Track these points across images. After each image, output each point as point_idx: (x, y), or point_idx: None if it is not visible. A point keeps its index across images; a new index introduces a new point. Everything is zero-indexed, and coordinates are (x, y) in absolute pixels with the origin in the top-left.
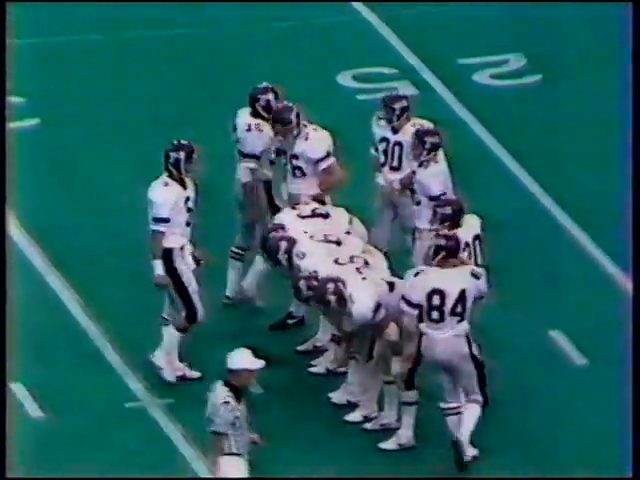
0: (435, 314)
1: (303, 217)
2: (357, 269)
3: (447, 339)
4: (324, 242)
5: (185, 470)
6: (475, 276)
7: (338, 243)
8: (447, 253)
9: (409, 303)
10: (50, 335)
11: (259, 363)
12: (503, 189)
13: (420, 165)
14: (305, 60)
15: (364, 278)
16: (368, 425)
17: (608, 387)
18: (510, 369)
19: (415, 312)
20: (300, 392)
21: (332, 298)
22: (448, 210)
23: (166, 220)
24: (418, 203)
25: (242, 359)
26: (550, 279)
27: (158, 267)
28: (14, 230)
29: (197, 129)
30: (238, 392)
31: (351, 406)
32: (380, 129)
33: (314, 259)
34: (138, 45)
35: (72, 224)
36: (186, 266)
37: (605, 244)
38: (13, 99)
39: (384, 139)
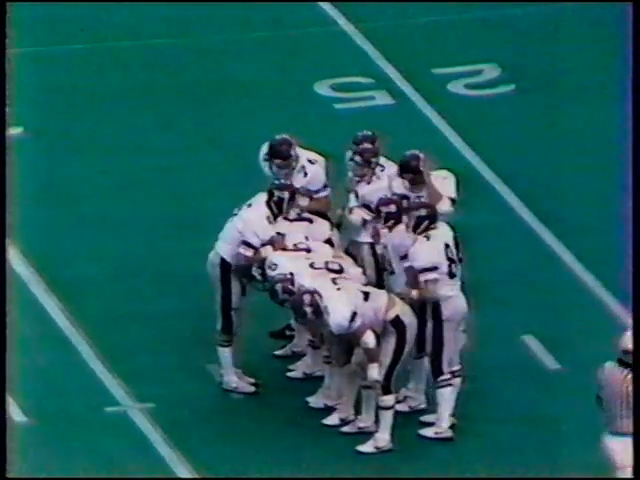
0: (454, 267)
1: (290, 220)
2: (333, 280)
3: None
4: (294, 251)
5: (166, 474)
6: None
7: (308, 251)
8: (430, 221)
9: (430, 269)
10: (32, 340)
11: None
12: (478, 197)
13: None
14: (283, 69)
15: (339, 289)
16: (345, 428)
17: (580, 392)
18: (483, 374)
19: (436, 276)
20: (278, 396)
21: (308, 310)
22: (392, 208)
23: (254, 249)
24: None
25: None
26: (524, 285)
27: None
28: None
29: (179, 136)
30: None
31: (328, 410)
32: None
33: (288, 265)
34: (116, 54)
35: (53, 233)
36: (240, 282)
37: (580, 251)
38: None
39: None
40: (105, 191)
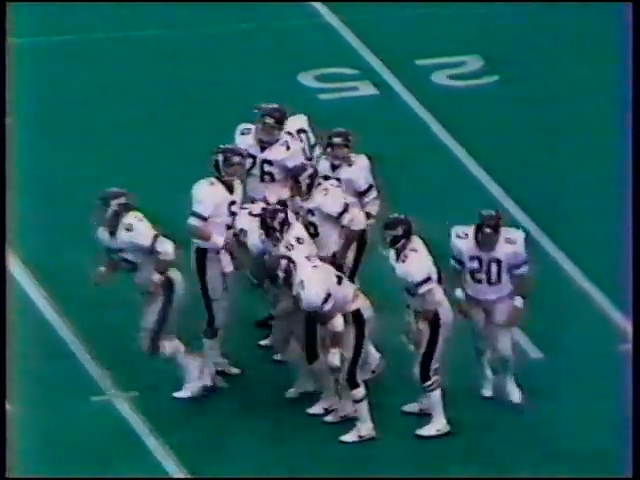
0: (439, 273)
1: (255, 215)
2: (306, 257)
3: None
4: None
5: (150, 462)
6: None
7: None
8: (406, 239)
9: (426, 280)
10: (16, 328)
11: None
12: (460, 188)
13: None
14: (268, 60)
15: (315, 266)
16: (329, 418)
17: (563, 380)
18: (466, 362)
19: (432, 286)
20: (262, 385)
21: (281, 275)
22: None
23: (202, 217)
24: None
25: None
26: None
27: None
28: None
29: (164, 129)
30: None
31: (311, 395)
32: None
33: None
34: (102, 46)
35: (38, 222)
36: (218, 270)
37: (562, 241)
38: None
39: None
40: (89, 181)
